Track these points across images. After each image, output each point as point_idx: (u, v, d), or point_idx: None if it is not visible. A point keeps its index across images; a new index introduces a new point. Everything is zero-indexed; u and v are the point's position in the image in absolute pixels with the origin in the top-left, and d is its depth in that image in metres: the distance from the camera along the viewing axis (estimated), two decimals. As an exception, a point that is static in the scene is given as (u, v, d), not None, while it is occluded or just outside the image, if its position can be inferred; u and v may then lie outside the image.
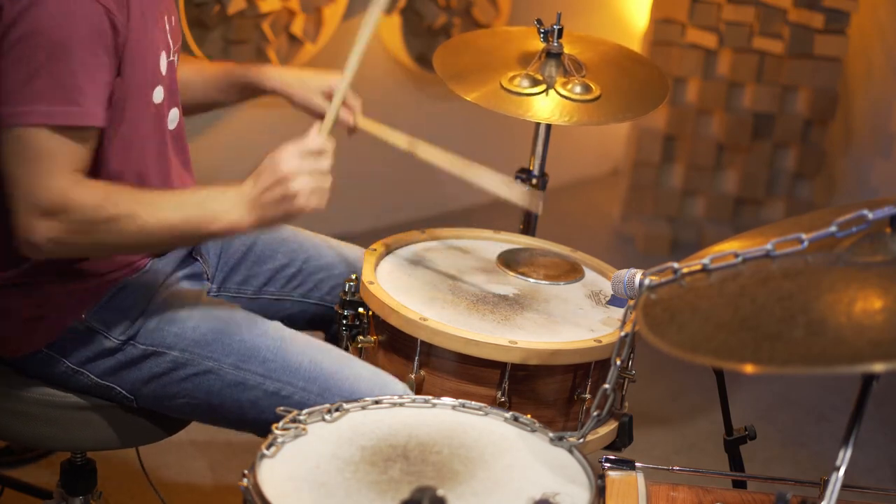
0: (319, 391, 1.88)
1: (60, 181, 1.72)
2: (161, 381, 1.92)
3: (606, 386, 1.71)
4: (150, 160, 1.93)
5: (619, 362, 1.69)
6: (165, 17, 1.95)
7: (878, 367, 1.22)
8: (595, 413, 1.75)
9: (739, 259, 1.51)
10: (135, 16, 1.81)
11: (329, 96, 2.16)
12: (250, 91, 2.22)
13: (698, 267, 1.52)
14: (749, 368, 1.29)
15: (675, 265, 1.54)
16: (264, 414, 1.89)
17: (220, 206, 1.81)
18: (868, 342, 1.27)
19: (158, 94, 1.91)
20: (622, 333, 1.68)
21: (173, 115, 2.00)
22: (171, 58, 1.97)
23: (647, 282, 1.54)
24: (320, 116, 2.10)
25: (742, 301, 1.42)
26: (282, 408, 1.69)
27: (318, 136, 1.85)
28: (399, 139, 2.11)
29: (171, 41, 1.97)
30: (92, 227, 1.75)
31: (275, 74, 2.19)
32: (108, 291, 1.93)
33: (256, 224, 1.82)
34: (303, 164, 1.81)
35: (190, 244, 2.02)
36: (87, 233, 1.75)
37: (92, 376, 1.93)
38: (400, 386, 1.91)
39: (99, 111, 1.76)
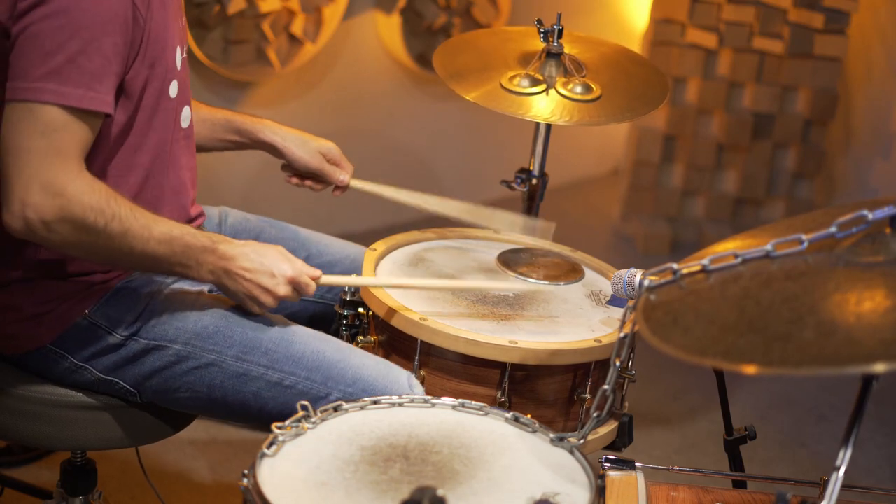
0: (323, 380, 1.88)
1: (68, 163, 1.72)
2: (164, 375, 1.93)
3: (606, 387, 1.71)
4: (159, 154, 1.94)
5: (618, 363, 1.69)
6: (180, 13, 1.98)
7: (894, 367, 1.22)
8: (595, 414, 1.75)
9: (739, 260, 1.51)
10: (156, 8, 1.83)
11: (328, 159, 2.25)
12: (246, 141, 2.26)
13: (698, 268, 1.52)
14: (760, 370, 1.29)
15: (675, 266, 1.54)
16: (267, 405, 1.90)
17: (204, 258, 1.85)
18: (880, 341, 1.27)
19: (174, 89, 1.92)
20: (621, 334, 1.68)
21: (186, 114, 2.01)
22: (184, 55, 1.99)
23: (646, 283, 1.54)
24: (311, 174, 2.25)
25: (747, 303, 1.41)
26: (302, 402, 1.70)
27: (313, 285, 1.93)
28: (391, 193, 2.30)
29: (183, 38, 1.99)
30: (83, 226, 1.74)
31: (276, 129, 2.24)
32: (111, 288, 1.93)
33: (216, 286, 1.91)
34: (292, 281, 1.90)
35: (157, 274, 1.98)
36: (79, 228, 1.74)
37: (95, 372, 1.94)
38: (404, 374, 1.91)
39: (110, 99, 1.77)
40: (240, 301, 1.91)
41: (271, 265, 1.88)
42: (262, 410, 1.91)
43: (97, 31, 1.72)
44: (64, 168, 1.72)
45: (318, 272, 1.93)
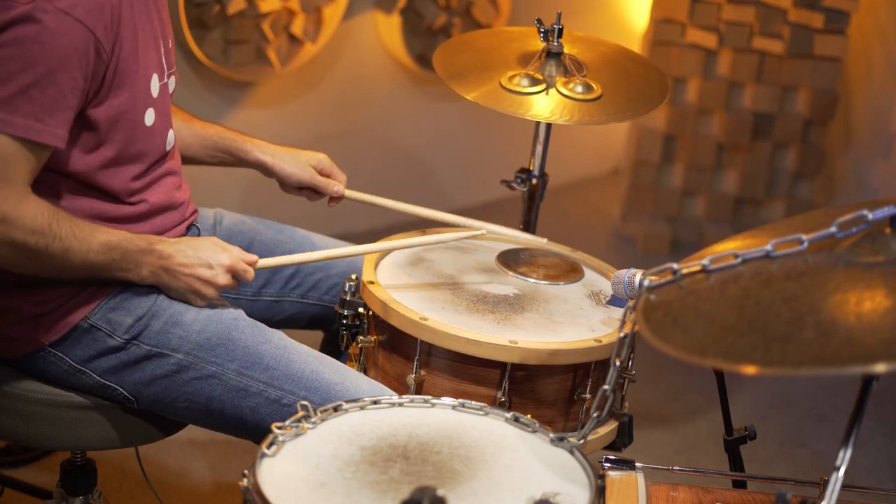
0: (320, 401, 1.88)
1: (11, 189, 1.74)
2: (163, 384, 1.93)
3: (606, 387, 1.71)
4: (141, 180, 1.95)
5: (618, 363, 1.69)
6: (160, 40, 1.97)
7: (894, 366, 1.22)
8: (595, 414, 1.75)
9: (739, 260, 1.51)
10: (125, 40, 1.83)
11: (319, 171, 2.27)
12: (235, 161, 2.28)
13: (698, 268, 1.52)
14: (760, 370, 1.29)
15: (675, 266, 1.54)
16: (264, 421, 1.89)
17: (143, 259, 1.88)
18: (880, 341, 1.27)
19: (150, 117, 1.92)
20: (621, 334, 1.68)
21: (170, 137, 2.02)
22: (165, 80, 1.98)
23: (646, 283, 1.54)
24: (306, 188, 2.27)
25: (747, 303, 1.41)
26: (302, 402, 1.70)
27: (251, 271, 1.95)
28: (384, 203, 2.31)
29: (164, 64, 1.98)
30: (25, 247, 1.77)
31: (265, 148, 2.25)
32: (112, 291, 1.93)
33: (158, 285, 1.93)
34: (230, 269, 1.92)
35: (100, 279, 1.99)
36: (19, 250, 1.77)
37: (94, 376, 1.93)
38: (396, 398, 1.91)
39: (61, 133, 1.77)
40: (182, 297, 1.93)
41: (208, 257, 1.91)
42: (258, 426, 1.91)
43: (53, 65, 1.73)
44: (6, 195, 1.74)
45: (254, 257, 1.96)
